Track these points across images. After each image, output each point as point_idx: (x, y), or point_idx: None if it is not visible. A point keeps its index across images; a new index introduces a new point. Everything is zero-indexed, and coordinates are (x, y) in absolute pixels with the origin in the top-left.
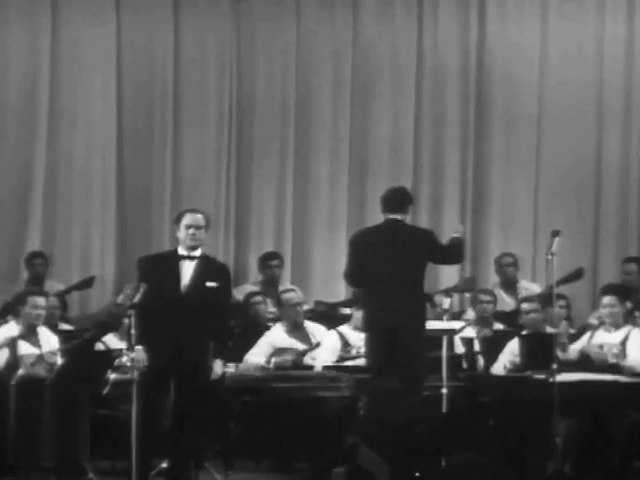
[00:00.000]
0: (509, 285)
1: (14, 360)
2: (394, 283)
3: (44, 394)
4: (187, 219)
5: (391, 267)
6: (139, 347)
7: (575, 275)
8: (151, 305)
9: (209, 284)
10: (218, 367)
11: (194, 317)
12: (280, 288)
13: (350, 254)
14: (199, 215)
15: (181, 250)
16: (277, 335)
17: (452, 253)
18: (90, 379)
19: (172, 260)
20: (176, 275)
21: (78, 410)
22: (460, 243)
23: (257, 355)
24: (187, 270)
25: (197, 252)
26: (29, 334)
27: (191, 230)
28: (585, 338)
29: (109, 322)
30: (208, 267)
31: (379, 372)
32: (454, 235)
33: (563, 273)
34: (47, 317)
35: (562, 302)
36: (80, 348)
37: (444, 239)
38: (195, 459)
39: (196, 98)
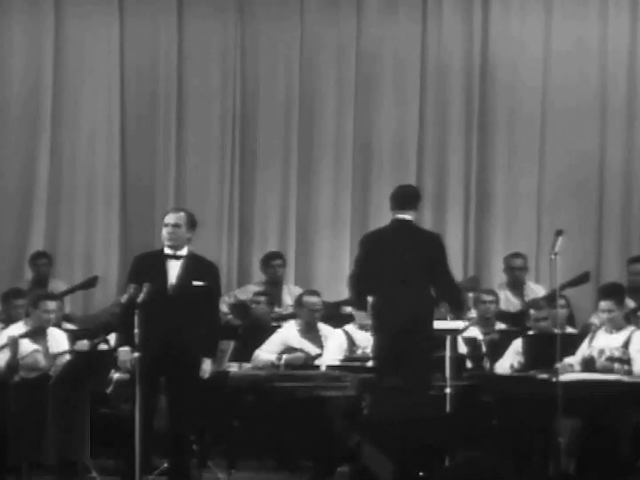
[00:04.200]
0: (516, 286)
1: (14, 361)
2: (401, 284)
3: (45, 393)
4: (166, 218)
5: (399, 268)
6: (125, 348)
7: (581, 279)
8: (140, 305)
9: (196, 282)
10: (207, 366)
11: (181, 316)
12: (296, 289)
13: (358, 258)
14: (178, 214)
15: (166, 250)
16: (289, 334)
17: (456, 287)
18: (94, 378)
19: (158, 260)
20: (163, 274)
21: (80, 409)
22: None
23: (268, 352)
24: (174, 269)
25: (183, 251)
26: (38, 335)
27: (168, 229)
28: (586, 341)
29: (113, 322)
30: (195, 265)
31: (385, 372)
32: None
33: (566, 273)
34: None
35: (562, 302)
36: (86, 352)
37: (447, 238)
38: (198, 458)
39: (200, 97)
